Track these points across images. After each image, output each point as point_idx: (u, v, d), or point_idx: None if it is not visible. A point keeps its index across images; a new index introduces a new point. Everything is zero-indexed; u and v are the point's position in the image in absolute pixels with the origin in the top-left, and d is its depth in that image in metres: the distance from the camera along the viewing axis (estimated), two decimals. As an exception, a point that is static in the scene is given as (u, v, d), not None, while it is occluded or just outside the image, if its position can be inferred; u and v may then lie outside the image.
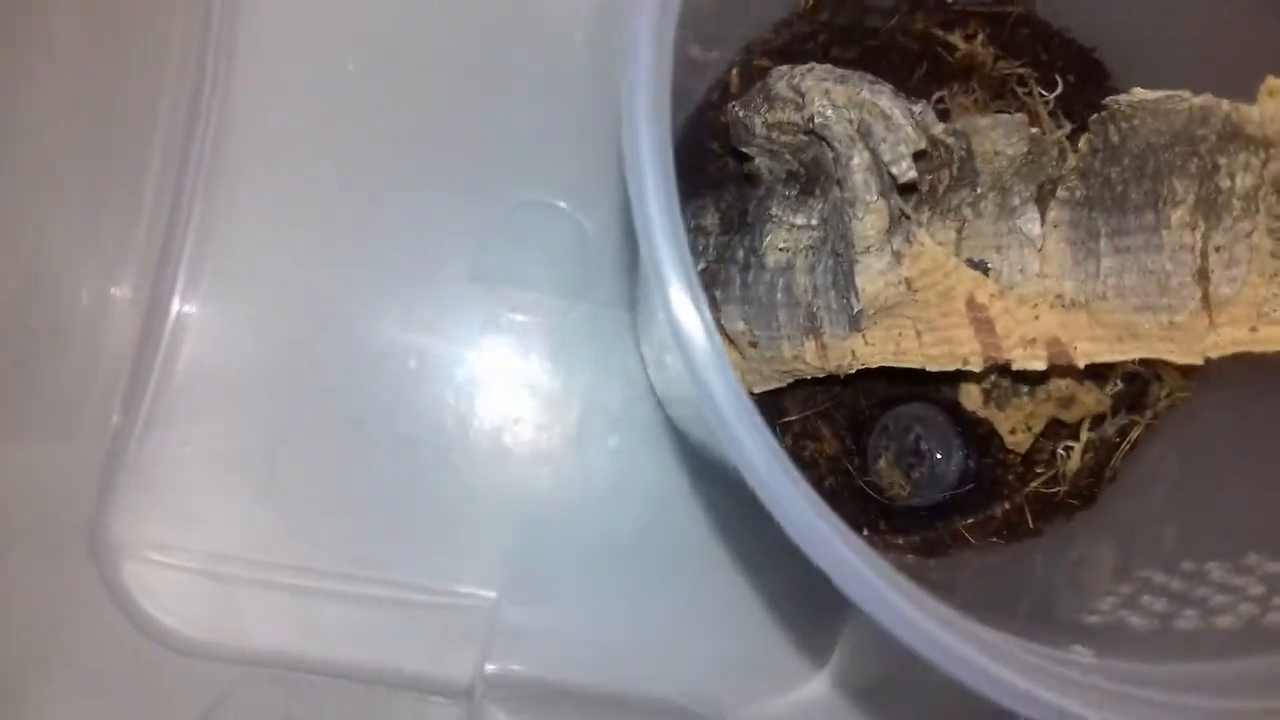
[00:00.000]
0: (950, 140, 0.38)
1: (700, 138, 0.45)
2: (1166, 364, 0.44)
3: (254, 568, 0.49)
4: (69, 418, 0.47)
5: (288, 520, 0.49)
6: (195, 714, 0.47)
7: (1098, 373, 0.43)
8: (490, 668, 0.49)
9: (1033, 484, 0.44)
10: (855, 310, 0.36)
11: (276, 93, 0.49)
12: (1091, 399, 0.42)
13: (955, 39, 0.44)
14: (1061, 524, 0.44)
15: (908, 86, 0.44)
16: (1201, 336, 0.32)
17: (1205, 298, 0.32)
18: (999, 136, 0.37)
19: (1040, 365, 0.36)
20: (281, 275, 0.49)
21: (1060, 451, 0.45)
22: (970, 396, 0.43)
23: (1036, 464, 0.45)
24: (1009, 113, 0.42)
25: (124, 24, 0.45)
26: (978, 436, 0.44)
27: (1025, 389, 0.42)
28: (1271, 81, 0.32)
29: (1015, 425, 0.42)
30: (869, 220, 0.36)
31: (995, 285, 0.35)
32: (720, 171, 0.44)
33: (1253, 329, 0.32)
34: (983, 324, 0.36)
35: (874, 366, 0.38)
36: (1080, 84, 0.46)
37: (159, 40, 0.46)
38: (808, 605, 0.49)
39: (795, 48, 0.43)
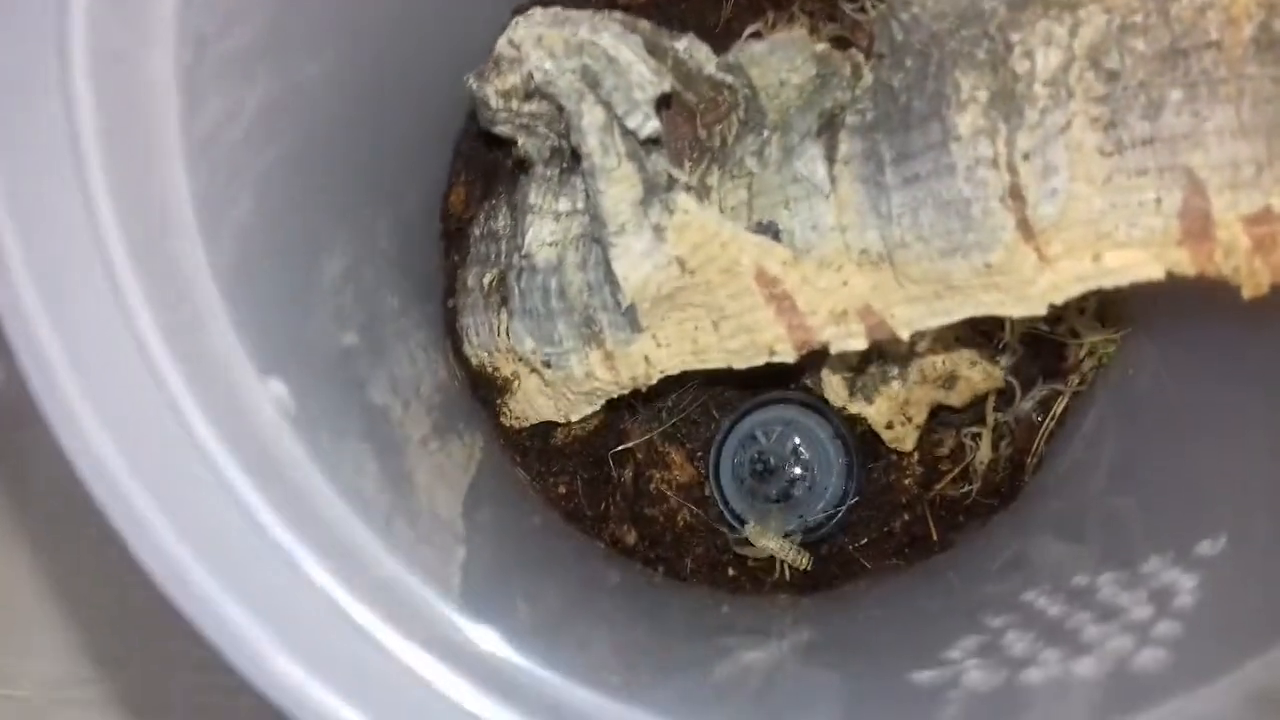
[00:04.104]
0: (729, 79, 0.30)
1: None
2: (1071, 312, 0.35)
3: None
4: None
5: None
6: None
7: (986, 337, 0.35)
8: None
9: (937, 486, 0.36)
10: (625, 305, 0.29)
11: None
12: (978, 373, 0.33)
13: (768, -39, 0.37)
14: (977, 530, 0.36)
15: (715, 25, 0.37)
16: (1033, 278, 0.24)
17: (1025, 224, 0.24)
18: (779, 62, 0.30)
19: (860, 344, 0.28)
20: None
21: (968, 442, 0.36)
22: (833, 389, 0.34)
23: (940, 461, 0.36)
24: (843, 41, 0.34)
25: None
26: (861, 436, 0.36)
27: (894, 371, 0.34)
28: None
29: (891, 418, 0.34)
30: (614, 192, 0.28)
31: (786, 251, 0.28)
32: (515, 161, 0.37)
33: (1095, 257, 0.23)
34: (782, 301, 0.28)
35: (675, 373, 0.31)
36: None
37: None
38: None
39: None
